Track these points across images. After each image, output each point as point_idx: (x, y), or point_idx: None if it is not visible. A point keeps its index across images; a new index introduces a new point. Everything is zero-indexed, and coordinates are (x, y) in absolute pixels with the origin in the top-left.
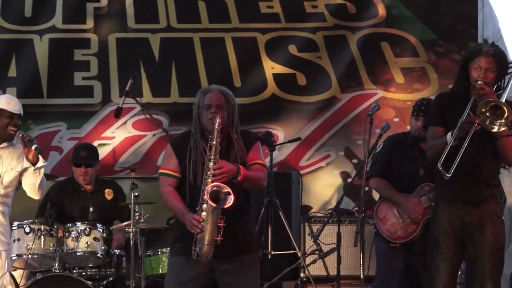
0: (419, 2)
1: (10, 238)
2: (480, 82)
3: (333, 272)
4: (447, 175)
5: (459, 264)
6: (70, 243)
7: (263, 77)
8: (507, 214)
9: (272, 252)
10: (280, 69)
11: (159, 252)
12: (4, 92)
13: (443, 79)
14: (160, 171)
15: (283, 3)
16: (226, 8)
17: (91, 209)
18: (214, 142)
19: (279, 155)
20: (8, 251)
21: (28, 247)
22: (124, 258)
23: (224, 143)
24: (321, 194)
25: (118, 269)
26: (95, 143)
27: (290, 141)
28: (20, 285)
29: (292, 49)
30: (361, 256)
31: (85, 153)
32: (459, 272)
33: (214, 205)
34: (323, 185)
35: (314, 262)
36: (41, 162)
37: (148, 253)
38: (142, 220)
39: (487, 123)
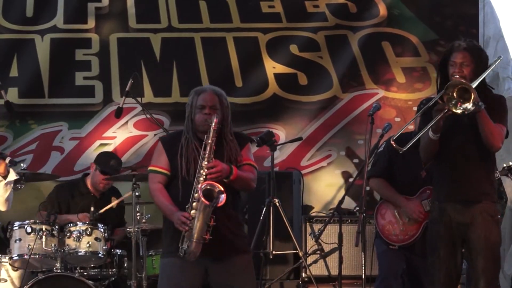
0: (420, 2)
1: None
2: (456, 76)
3: (334, 272)
4: (401, 148)
5: (457, 264)
6: (71, 243)
7: (265, 76)
8: (508, 214)
9: (274, 252)
10: (281, 68)
11: (161, 252)
12: (5, 92)
13: None
14: (149, 168)
15: (284, 3)
16: (227, 8)
17: (92, 209)
18: (210, 141)
19: (281, 155)
20: None
21: (30, 247)
22: (125, 258)
23: (217, 143)
24: (323, 194)
25: (120, 269)
26: (96, 143)
27: (292, 141)
28: (21, 286)
29: (293, 48)
30: (363, 256)
31: (116, 164)
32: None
33: (207, 202)
34: (325, 185)
35: (315, 262)
36: (12, 176)
37: (150, 253)
38: (143, 220)
39: (451, 104)
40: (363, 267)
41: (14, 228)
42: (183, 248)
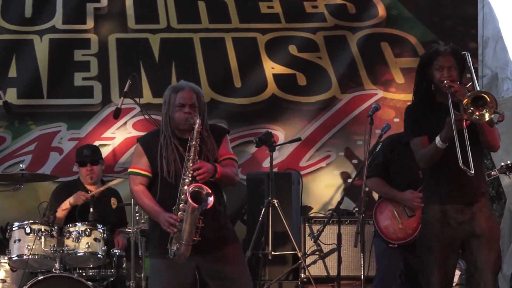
0: (419, 3)
1: None
2: (446, 81)
3: (333, 272)
4: (471, 172)
5: (453, 266)
6: (70, 243)
7: (263, 77)
8: (507, 215)
9: (273, 253)
10: (280, 69)
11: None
12: (4, 93)
13: None
14: (129, 170)
15: (283, 3)
16: (226, 8)
17: (91, 210)
18: (194, 143)
19: (279, 155)
20: None
21: (29, 247)
22: (124, 258)
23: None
24: (322, 194)
25: (119, 269)
26: (95, 144)
27: (290, 142)
28: (20, 286)
29: (292, 49)
30: (362, 256)
31: (89, 152)
32: (460, 273)
33: (195, 205)
34: (324, 186)
35: (314, 262)
36: None
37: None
38: (142, 221)
39: (476, 117)
40: (362, 268)
41: (13, 229)
42: (172, 250)
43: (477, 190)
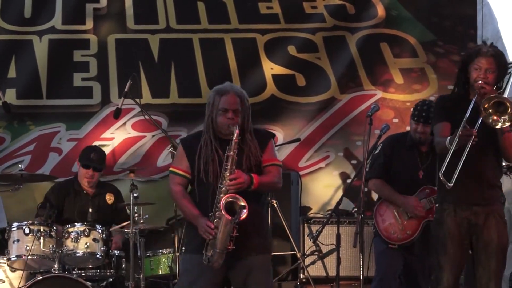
0: (419, 3)
1: None
2: (480, 82)
3: (332, 273)
4: (449, 184)
5: (463, 266)
6: (69, 244)
7: (263, 77)
8: (507, 215)
9: (272, 253)
10: (279, 69)
11: (159, 253)
12: (3, 94)
13: (442, 80)
14: (170, 169)
15: (282, 3)
16: (225, 8)
17: (90, 210)
18: (232, 153)
19: (279, 156)
20: None
21: (28, 248)
22: (123, 259)
23: (238, 146)
24: (321, 195)
25: (118, 270)
26: (95, 144)
27: (290, 142)
28: (19, 286)
29: (292, 49)
30: (361, 257)
31: (96, 157)
32: None
33: (229, 217)
34: (323, 186)
35: (313, 263)
36: None
37: (148, 254)
38: (141, 221)
39: (490, 120)
40: (361, 268)
41: (12, 229)
42: (207, 256)
43: (490, 195)
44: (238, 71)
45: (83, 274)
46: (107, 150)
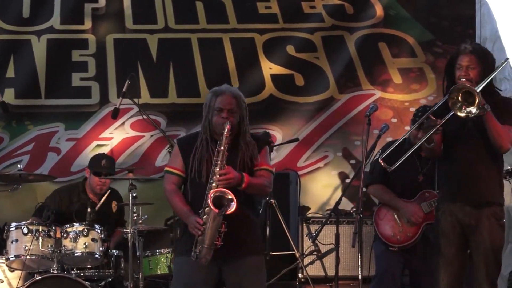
0: (417, 3)
1: None
2: (463, 79)
3: (331, 272)
4: (390, 167)
5: (462, 265)
6: (68, 244)
7: (261, 77)
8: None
9: (271, 253)
10: (278, 69)
11: (157, 253)
12: (2, 93)
13: (440, 80)
14: (165, 168)
15: (281, 3)
16: (224, 8)
17: (88, 210)
18: (222, 148)
19: (277, 156)
20: None
21: (26, 248)
22: (122, 259)
23: (233, 146)
24: (319, 194)
25: (116, 270)
26: (93, 144)
27: (288, 142)
28: (18, 286)
29: (290, 49)
30: (359, 256)
31: (107, 163)
32: None
33: (216, 210)
34: (321, 186)
35: (312, 262)
36: None
37: (147, 254)
38: (140, 221)
39: (456, 107)
40: (359, 268)
41: (11, 229)
42: (195, 252)
43: (487, 192)
44: (236, 71)
45: (82, 274)
46: (105, 150)
